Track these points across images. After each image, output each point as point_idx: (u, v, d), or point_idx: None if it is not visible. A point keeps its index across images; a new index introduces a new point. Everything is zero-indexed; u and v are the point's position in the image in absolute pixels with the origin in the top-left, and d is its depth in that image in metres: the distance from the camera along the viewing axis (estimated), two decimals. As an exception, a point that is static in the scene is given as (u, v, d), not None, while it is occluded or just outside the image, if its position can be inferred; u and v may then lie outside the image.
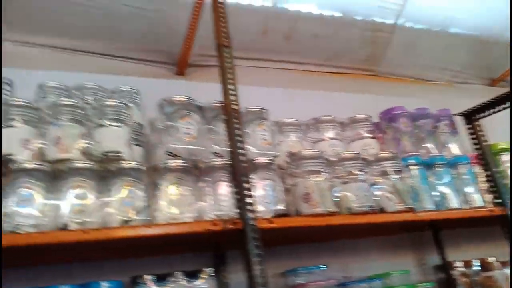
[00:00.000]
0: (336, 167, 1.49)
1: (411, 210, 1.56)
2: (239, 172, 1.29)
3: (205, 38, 1.95)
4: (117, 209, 1.22)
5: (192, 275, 1.44)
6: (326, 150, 1.54)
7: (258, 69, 2.22)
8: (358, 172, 1.48)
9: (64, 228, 1.16)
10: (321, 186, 1.39)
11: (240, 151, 1.32)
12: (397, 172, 1.58)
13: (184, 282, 1.42)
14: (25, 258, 1.31)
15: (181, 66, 2.15)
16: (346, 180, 1.46)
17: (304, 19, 2.16)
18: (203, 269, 1.47)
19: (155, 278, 1.39)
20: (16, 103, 1.26)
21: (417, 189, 1.66)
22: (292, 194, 1.44)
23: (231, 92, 1.41)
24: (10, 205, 1.14)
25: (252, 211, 1.25)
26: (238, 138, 1.34)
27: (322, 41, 2.29)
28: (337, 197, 1.41)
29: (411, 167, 1.68)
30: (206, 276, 1.46)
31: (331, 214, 1.38)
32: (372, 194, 1.48)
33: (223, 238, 1.42)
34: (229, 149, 1.34)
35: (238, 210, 1.27)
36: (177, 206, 1.31)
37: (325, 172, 1.42)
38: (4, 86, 1.42)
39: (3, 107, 1.26)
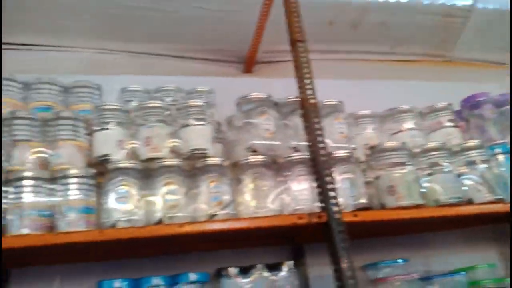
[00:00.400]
0: (420, 159, 1.44)
1: (500, 201, 1.48)
2: (320, 166, 1.30)
3: (272, 34, 1.99)
4: (205, 203, 1.27)
5: (274, 267, 1.46)
6: (406, 141, 1.49)
7: (325, 61, 2.19)
8: (444, 163, 1.42)
9: (159, 222, 1.23)
10: (406, 178, 1.35)
11: (320, 145, 1.32)
12: (485, 161, 1.50)
13: (267, 274, 1.45)
14: (121, 251, 1.40)
15: (249, 64, 2.18)
16: (431, 171, 1.41)
17: (371, 7, 2.11)
18: (284, 262, 1.49)
19: (239, 270, 1.43)
20: (109, 107, 1.35)
21: (505, 178, 1.56)
22: (374, 187, 1.41)
23: (307, 86, 1.41)
24: (110, 202, 1.23)
25: (336, 204, 1.25)
26: (318, 132, 1.34)
27: (390, 28, 2.23)
28: (423, 189, 1.37)
29: (498, 156, 1.58)
30: (287, 269, 1.47)
31: (418, 206, 1.34)
32: (460, 185, 1.41)
33: (303, 232, 1.43)
34: (308, 143, 1.35)
35: (321, 204, 1.27)
36: (259, 201, 1.33)
37: (409, 164, 1.38)
38: (93, 91, 1.53)
39: (96, 112, 1.36)
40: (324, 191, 1.27)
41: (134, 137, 1.35)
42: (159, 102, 1.40)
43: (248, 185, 1.35)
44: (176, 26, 1.99)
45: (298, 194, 1.37)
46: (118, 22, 1.89)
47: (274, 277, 1.46)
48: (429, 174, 1.41)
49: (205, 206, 1.27)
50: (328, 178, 1.28)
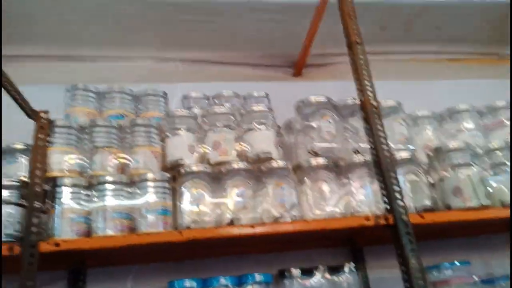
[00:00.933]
0: (484, 159, 1.42)
1: None
2: (385, 168, 1.31)
3: (321, 37, 2.02)
4: (271, 205, 1.32)
5: (335, 269, 1.48)
6: (468, 141, 1.48)
7: (378, 62, 2.19)
8: (509, 163, 1.40)
9: (231, 223, 1.28)
10: (472, 179, 1.34)
11: (384, 147, 1.34)
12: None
13: (329, 276, 1.47)
14: (191, 252, 1.47)
15: (299, 67, 2.22)
16: (496, 171, 1.39)
17: (424, 8, 2.09)
18: (346, 263, 1.51)
19: (301, 272, 1.46)
20: (179, 114, 1.43)
21: None
22: (438, 188, 1.41)
23: (368, 88, 1.43)
24: (184, 204, 1.29)
25: (403, 206, 1.27)
26: (381, 134, 1.36)
27: (442, 28, 2.20)
28: (490, 189, 1.36)
29: None
30: (348, 271, 1.49)
31: (484, 207, 1.33)
32: (527, 186, 1.39)
33: (366, 234, 1.45)
34: (371, 145, 1.36)
35: (387, 206, 1.29)
36: (322, 203, 1.36)
37: (475, 165, 1.37)
38: (160, 99, 1.61)
39: (167, 119, 1.43)
40: (389, 193, 1.29)
41: (202, 141, 1.42)
42: (225, 108, 1.46)
43: (311, 187, 1.38)
44: (228, 34, 2.06)
45: (360, 196, 1.39)
46: (176, 32, 1.98)
47: (336, 279, 1.48)
48: (494, 174, 1.39)
49: (271, 208, 1.31)
50: (393, 180, 1.30)
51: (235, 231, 1.23)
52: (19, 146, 1.36)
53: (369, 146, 1.40)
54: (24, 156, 1.34)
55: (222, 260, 1.60)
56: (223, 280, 1.39)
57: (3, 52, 1.43)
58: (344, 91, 1.63)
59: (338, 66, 2.32)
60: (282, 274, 1.47)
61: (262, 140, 1.40)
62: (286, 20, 2.00)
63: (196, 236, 1.20)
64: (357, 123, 1.50)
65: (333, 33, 2.01)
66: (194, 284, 1.37)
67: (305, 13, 1.89)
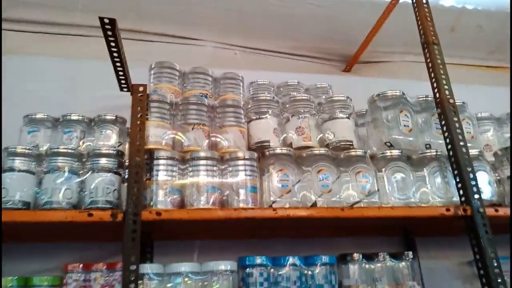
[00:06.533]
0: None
1: None
2: (462, 162, 1.38)
3: (381, 35, 2.07)
4: (354, 191, 1.38)
5: (395, 256, 1.54)
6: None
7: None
8: None
9: (314, 205, 1.34)
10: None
11: (461, 143, 1.41)
12: None
13: (390, 263, 1.54)
14: (264, 231, 1.52)
15: (351, 63, 2.27)
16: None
17: (467, 12, 2.16)
18: (405, 252, 1.58)
19: (362, 257, 1.52)
20: (263, 97, 1.47)
21: None
22: (506, 184, 1.49)
23: (445, 87, 1.50)
24: (272, 183, 1.34)
25: (479, 199, 1.34)
26: (458, 130, 1.43)
27: (484, 34, 2.28)
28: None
29: None
30: (407, 259, 1.56)
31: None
32: None
33: (435, 224, 1.50)
34: (448, 140, 1.43)
35: (462, 198, 1.36)
36: (399, 192, 1.43)
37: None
38: (239, 82, 1.64)
39: (252, 102, 1.48)
40: (466, 187, 1.36)
41: (284, 126, 1.47)
42: (308, 95, 1.51)
43: (387, 176, 1.44)
44: (289, 24, 2.10)
45: (433, 188, 1.45)
46: (240, 17, 2.01)
47: (396, 265, 1.54)
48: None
49: (354, 193, 1.37)
50: (470, 174, 1.37)
51: (325, 212, 1.28)
52: (109, 117, 1.39)
53: (441, 141, 1.47)
54: (114, 127, 1.38)
55: (282, 242, 1.64)
56: (291, 259, 1.43)
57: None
58: (393, 88, 1.68)
59: (387, 64, 2.39)
60: (344, 258, 1.53)
61: (344, 129, 1.46)
62: (349, 11, 2.04)
63: (290, 214, 1.25)
64: (428, 118, 1.57)
65: (391, 32, 2.09)
66: (265, 261, 1.43)
67: (375, 10, 1.94)
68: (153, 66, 1.54)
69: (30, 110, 1.42)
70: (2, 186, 1.15)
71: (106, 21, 1.10)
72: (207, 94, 1.51)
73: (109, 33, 1.13)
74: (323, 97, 1.58)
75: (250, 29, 2.12)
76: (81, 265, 1.31)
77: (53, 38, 1.90)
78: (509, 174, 1.49)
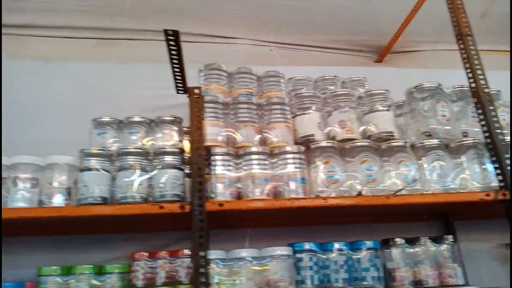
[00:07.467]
0: None
1: None
2: (500, 150, 1.45)
3: (413, 25, 2.11)
4: (397, 179, 1.47)
5: (436, 240, 1.63)
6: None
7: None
8: None
9: (359, 194, 1.44)
10: None
11: (498, 130, 1.48)
12: None
13: (431, 246, 1.63)
14: (309, 219, 1.64)
15: (383, 54, 2.33)
16: None
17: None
18: (445, 236, 1.66)
19: (404, 241, 1.61)
20: (306, 94, 1.57)
21: None
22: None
23: (480, 77, 1.56)
24: (319, 175, 1.45)
25: (516, 184, 1.41)
26: (494, 119, 1.50)
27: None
28: None
29: None
30: (447, 242, 1.64)
31: None
32: None
33: (477, 208, 1.58)
34: (485, 129, 1.50)
35: (502, 184, 1.44)
36: (440, 179, 1.51)
37: None
38: (280, 79, 1.74)
39: (296, 99, 1.58)
40: (504, 172, 1.43)
41: (327, 120, 1.56)
42: (348, 90, 1.60)
43: (427, 165, 1.53)
44: (320, 17, 2.16)
45: (472, 175, 1.53)
46: (271, 14, 2.08)
47: (437, 249, 1.62)
48: None
49: (396, 182, 1.47)
50: (507, 161, 1.44)
51: (372, 200, 1.38)
52: (168, 118, 1.52)
53: (477, 129, 1.54)
54: (173, 126, 1.51)
55: (326, 228, 1.73)
56: (337, 245, 1.53)
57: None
58: (426, 78, 1.74)
59: (419, 53, 2.44)
60: (387, 243, 1.63)
61: (385, 121, 1.54)
62: (381, 6, 2.09)
63: (339, 203, 1.35)
64: (465, 107, 1.64)
65: (423, 22, 2.13)
66: (314, 246, 1.53)
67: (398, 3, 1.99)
68: (202, 69, 1.65)
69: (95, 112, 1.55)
70: (83, 184, 1.30)
71: (170, 32, 1.21)
72: (252, 92, 1.61)
73: (172, 43, 1.24)
74: (362, 90, 1.67)
75: (283, 25, 2.19)
76: (146, 254, 1.45)
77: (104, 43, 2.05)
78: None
